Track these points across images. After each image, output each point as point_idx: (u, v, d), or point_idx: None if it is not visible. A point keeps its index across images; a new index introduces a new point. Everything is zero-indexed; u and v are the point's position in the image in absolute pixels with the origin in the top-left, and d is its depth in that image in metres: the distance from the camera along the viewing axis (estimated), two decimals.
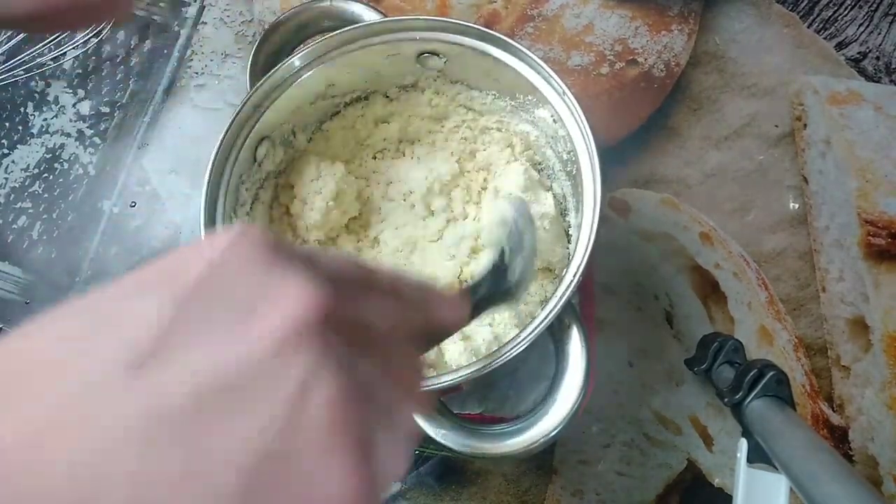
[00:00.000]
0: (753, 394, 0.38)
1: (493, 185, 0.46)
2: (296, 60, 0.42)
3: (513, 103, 0.45)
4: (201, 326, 0.15)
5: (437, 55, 0.44)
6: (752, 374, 0.39)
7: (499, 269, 0.28)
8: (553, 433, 0.33)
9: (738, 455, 0.38)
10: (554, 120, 0.41)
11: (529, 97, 0.42)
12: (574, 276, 0.34)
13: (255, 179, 0.44)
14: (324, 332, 0.15)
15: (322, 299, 0.16)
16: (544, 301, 0.42)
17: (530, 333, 0.33)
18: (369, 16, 0.44)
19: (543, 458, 0.47)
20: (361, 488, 0.15)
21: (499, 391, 0.48)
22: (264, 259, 0.16)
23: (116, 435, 0.14)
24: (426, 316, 0.21)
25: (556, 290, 0.34)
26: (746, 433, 0.38)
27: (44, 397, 0.14)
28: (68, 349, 0.15)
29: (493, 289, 0.28)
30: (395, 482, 0.46)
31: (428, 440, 0.47)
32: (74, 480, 0.13)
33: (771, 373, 0.38)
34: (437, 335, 0.23)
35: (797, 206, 0.53)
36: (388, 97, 0.48)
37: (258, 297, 0.15)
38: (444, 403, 0.35)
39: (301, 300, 0.15)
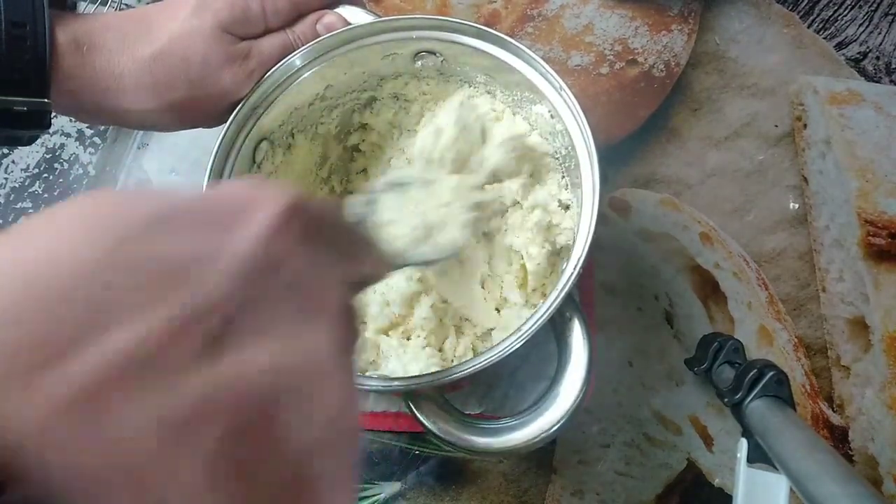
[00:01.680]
0: (753, 394, 0.38)
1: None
2: (296, 60, 0.42)
3: (511, 100, 0.45)
4: (269, 309, 0.16)
5: (434, 54, 0.44)
6: (752, 374, 0.39)
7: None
8: (557, 426, 0.33)
9: (738, 455, 0.38)
10: (551, 115, 0.41)
11: (527, 94, 0.43)
12: (574, 268, 0.34)
13: None
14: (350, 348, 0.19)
15: (348, 312, 0.20)
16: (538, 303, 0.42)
17: (532, 326, 0.33)
18: (365, 18, 0.44)
19: (543, 458, 0.47)
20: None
21: (499, 391, 0.48)
22: (310, 246, 0.18)
23: (178, 431, 0.14)
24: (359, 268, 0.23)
25: (556, 282, 0.34)
26: (746, 433, 0.38)
27: (89, 359, 0.13)
28: (125, 292, 0.14)
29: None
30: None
31: (428, 439, 0.47)
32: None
33: (771, 373, 0.38)
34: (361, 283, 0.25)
35: (797, 206, 0.53)
36: (381, 100, 0.49)
37: (308, 289, 0.17)
38: (446, 399, 0.35)
39: (340, 308, 0.19)
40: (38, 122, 0.38)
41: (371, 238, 0.24)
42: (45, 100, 0.37)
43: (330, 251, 0.19)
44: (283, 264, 0.17)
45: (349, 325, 0.19)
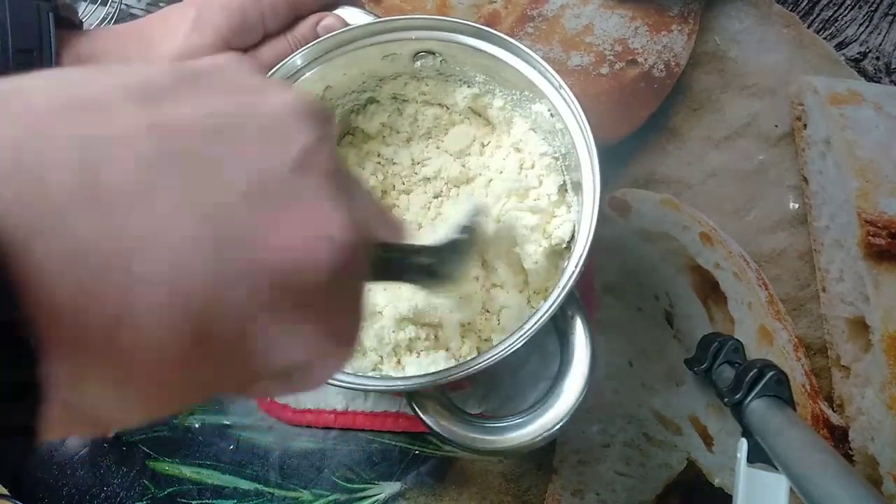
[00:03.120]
0: (753, 394, 0.38)
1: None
2: (296, 60, 0.42)
3: (510, 99, 0.45)
4: (211, 89, 0.17)
5: (434, 54, 0.44)
6: (752, 374, 0.39)
7: (436, 251, 0.28)
8: (560, 423, 0.33)
9: (738, 455, 0.38)
10: (551, 114, 0.41)
11: (526, 92, 0.43)
12: (576, 266, 0.34)
13: None
14: (319, 123, 0.18)
15: (316, 107, 0.19)
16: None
17: (534, 324, 0.33)
18: (365, 18, 0.44)
19: (543, 458, 0.47)
20: (348, 221, 0.18)
21: (499, 391, 0.48)
22: (255, 71, 0.19)
23: (122, 136, 0.14)
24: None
25: (558, 280, 0.35)
26: (746, 433, 0.38)
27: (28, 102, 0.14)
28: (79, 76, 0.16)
29: (419, 262, 0.28)
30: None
31: (428, 439, 0.47)
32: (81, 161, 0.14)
33: (771, 373, 0.39)
34: None
35: (797, 206, 0.53)
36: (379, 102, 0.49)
37: (258, 89, 0.18)
38: (449, 398, 0.35)
39: (295, 97, 0.19)
40: None
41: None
42: None
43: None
44: (224, 68, 0.18)
45: (313, 112, 0.19)
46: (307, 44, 0.42)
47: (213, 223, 0.15)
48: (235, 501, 0.47)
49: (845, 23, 0.59)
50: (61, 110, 0.14)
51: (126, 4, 0.63)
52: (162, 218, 0.14)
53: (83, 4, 0.62)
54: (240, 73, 0.19)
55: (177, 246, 0.14)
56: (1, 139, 0.13)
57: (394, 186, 0.49)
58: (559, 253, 0.44)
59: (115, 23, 0.61)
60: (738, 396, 0.39)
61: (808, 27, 0.59)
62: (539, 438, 0.33)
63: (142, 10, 0.63)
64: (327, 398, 0.49)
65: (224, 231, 0.15)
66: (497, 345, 0.34)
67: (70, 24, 0.40)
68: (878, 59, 0.58)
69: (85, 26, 0.42)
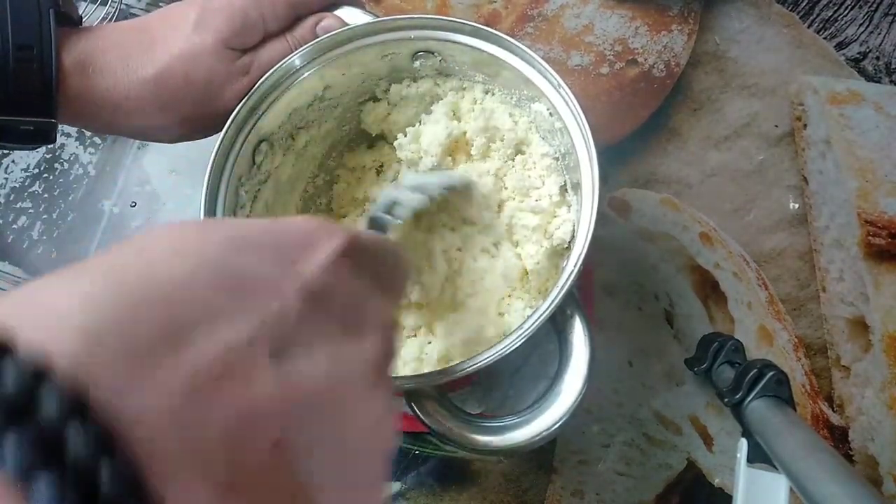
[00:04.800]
0: (753, 394, 0.38)
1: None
2: (295, 60, 0.42)
3: (510, 98, 0.45)
4: (322, 327, 0.19)
5: (433, 53, 0.44)
6: (752, 374, 0.39)
7: None
8: (559, 423, 0.33)
9: (738, 455, 0.38)
10: (550, 113, 0.41)
11: (525, 91, 0.43)
12: (575, 265, 0.34)
13: (255, 181, 0.44)
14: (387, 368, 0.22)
15: (390, 333, 0.22)
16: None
17: (534, 323, 0.33)
18: (364, 18, 0.44)
19: (543, 458, 0.47)
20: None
21: (499, 391, 0.48)
22: (359, 278, 0.21)
23: (254, 414, 0.16)
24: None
25: (557, 279, 0.34)
26: (746, 433, 0.38)
27: (192, 359, 0.15)
28: (215, 305, 0.16)
29: None
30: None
31: (428, 439, 0.47)
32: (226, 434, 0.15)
33: (771, 373, 0.38)
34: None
35: (797, 206, 0.53)
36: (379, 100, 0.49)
37: (358, 314, 0.21)
38: (448, 398, 0.35)
39: (384, 328, 0.22)
40: (44, 139, 0.39)
41: (404, 261, 0.27)
42: (52, 120, 0.38)
43: (374, 280, 0.22)
44: (337, 290, 0.20)
45: (389, 341, 0.22)
46: (306, 44, 0.42)
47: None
48: None
49: (845, 23, 0.59)
50: (216, 367, 0.15)
51: (126, 4, 0.63)
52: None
53: (83, 4, 0.62)
54: (349, 289, 0.21)
55: None
56: (166, 393, 0.14)
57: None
58: (560, 253, 0.43)
59: (115, 22, 0.61)
60: (738, 396, 0.39)
61: (808, 27, 0.59)
62: (538, 438, 0.33)
63: (142, 9, 0.63)
64: None
65: None
66: (496, 344, 0.34)
67: (69, 21, 0.40)
68: (878, 59, 0.58)
69: (85, 26, 0.42)
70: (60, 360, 0.13)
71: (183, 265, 0.17)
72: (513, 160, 0.47)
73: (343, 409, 0.19)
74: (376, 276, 0.22)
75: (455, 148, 0.47)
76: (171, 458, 0.14)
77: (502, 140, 0.46)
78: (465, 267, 0.45)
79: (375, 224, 0.33)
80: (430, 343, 0.43)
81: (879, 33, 0.58)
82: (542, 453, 0.47)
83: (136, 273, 0.16)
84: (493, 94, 0.46)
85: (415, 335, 0.44)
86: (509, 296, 0.44)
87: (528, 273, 0.44)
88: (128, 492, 0.13)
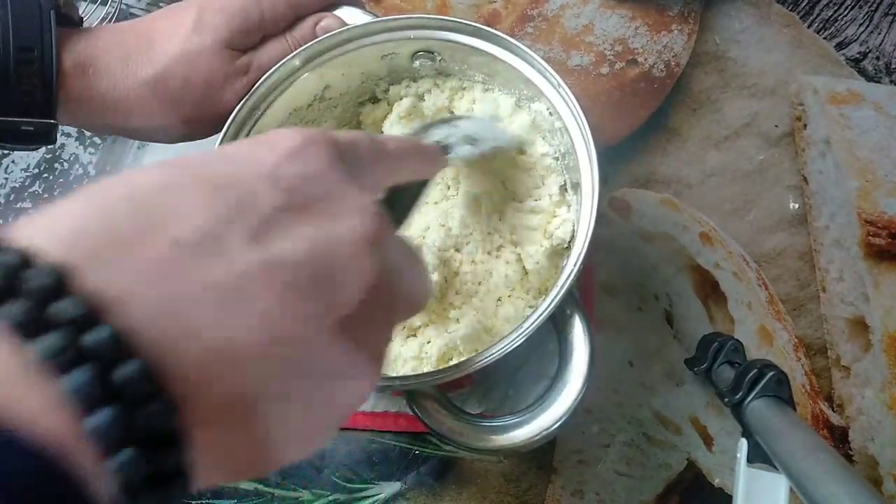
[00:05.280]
0: (753, 394, 0.38)
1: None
2: (295, 61, 0.42)
3: (510, 98, 0.45)
4: (303, 212, 0.19)
5: (433, 53, 0.44)
6: (752, 374, 0.39)
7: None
8: (559, 423, 0.33)
9: (738, 455, 0.38)
10: (550, 113, 0.41)
11: (525, 91, 0.43)
12: (575, 265, 0.34)
13: None
14: (380, 246, 0.21)
15: (374, 210, 0.22)
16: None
17: (533, 323, 0.33)
18: (364, 18, 0.44)
19: (543, 458, 0.47)
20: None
21: (499, 391, 0.48)
22: (332, 166, 0.21)
23: (236, 289, 0.17)
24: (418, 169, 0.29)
25: (557, 279, 0.34)
26: (746, 433, 0.38)
27: (160, 243, 0.16)
28: (182, 201, 0.17)
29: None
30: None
31: (428, 439, 0.47)
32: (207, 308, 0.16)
33: (771, 373, 0.38)
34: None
35: (797, 206, 0.53)
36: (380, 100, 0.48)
37: (336, 201, 0.21)
38: (448, 398, 0.35)
39: (365, 207, 0.21)
40: (44, 139, 0.39)
41: (410, 144, 0.28)
42: (52, 120, 0.38)
43: (353, 169, 0.22)
44: (307, 176, 0.20)
45: (370, 222, 0.21)
46: (306, 44, 0.42)
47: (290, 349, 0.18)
48: (235, 501, 0.47)
49: (845, 23, 0.59)
50: (186, 248, 0.17)
51: (126, 4, 0.63)
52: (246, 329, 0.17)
53: (83, 4, 0.62)
54: (326, 180, 0.21)
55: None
56: (144, 276, 0.16)
57: None
58: (560, 253, 0.43)
59: (114, 22, 0.61)
60: (738, 396, 0.39)
61: (808, 27, 0.59)
62: (538, 438, 0.33)
63: (142, 9, 0.63)
64: None
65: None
66: (496, 343, 0.34)
67: (70, 22, 0.40)
68: (878, 59, 0.58)
69: (85, 26, 0.42)
70: (49, 249, 0.15)
71: (160, 174, 0.18)
72: (513, 159, 0.47)
73: (330, 283, 0.19)
74: (355, 167, 0.23)
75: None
76: (151, 324, 0.15)
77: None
78: (463, 268, 0.45)
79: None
80: (429, 343, 0.43)
81: (879, 33, 0.58)
82: (542, 453, 0.47)
83: (116, 184, 0.18)
84: (493, 94, 0.46)
85: (415, 335, 0.44)
86: (509, 296, 0.44)
87: (527, 273, 0.43)
88: (113, 350, 0.14)
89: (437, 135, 0.36)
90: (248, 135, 0.42)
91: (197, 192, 0.18)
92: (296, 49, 0.42)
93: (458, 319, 0.43)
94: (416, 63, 0.45)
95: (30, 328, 0.14)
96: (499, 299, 0.44)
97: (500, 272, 0.44)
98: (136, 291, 0.15)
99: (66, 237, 0.16)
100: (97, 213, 0.16)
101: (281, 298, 0.18)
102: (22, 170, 0.59)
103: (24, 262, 0.15)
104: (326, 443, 0.47)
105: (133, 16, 0.63)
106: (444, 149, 0.35)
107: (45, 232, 0.16)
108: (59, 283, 0.14)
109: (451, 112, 0.47)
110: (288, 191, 0.19)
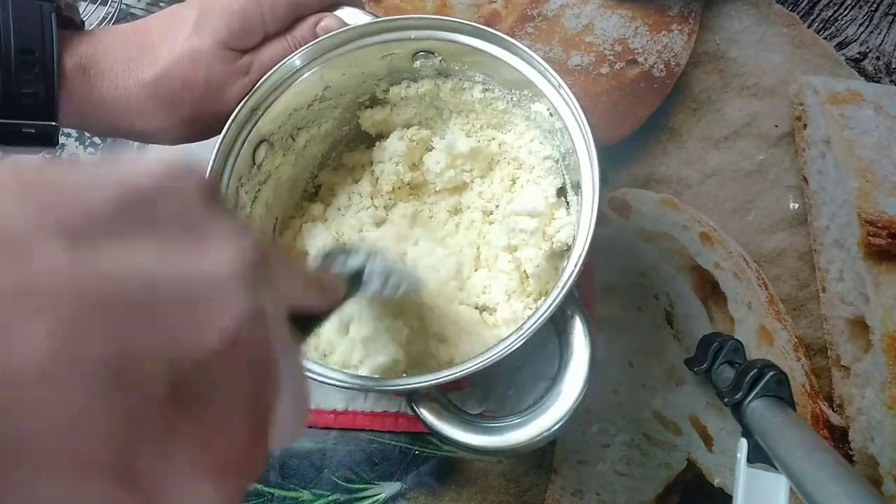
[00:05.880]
0: (753, 394, 0.38)
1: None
2: (295, 61, 0.42)
3: (511, 99, 0.45)
4: (154, 227, 0.16)
5: (433, 53, 0.44)
6: (752, 374, 0.39)
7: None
8: (559, 424, 0.33)
9: (738, 455, 0.38)
10: (550, 113, 0.41)
11: (525, 92, 0.43)
12: (575, 266, 0.34)
13: (255, 181, 0.44)
14: (256, 283, 0.17)
15: (259, 254, 0.18)
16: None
17: (534, 324, 0.33)
18: (364, 18, 0.44)
19: (543, 458, 0.47)
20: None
21: (499, 391, 0.48)
22: (210, 198, 0.18)
23: (30, 298, 0.13)
24: (313, 295, 0.25)
25: (557, 280, 0.34)
26: (746, 433, 0.38)
27: None
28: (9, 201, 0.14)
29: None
30: None
31: (428, 439, 0.47)
32: None
33: (771, 373, 0.38)
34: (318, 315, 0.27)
35: (797, 206, 0.53)
36: (381, 101, 0.49)
37: (204, 227, 0.17)
38: (448, 398, 0.35)
39: (246, 246, 0.17)
40: (46, 142, 0.39)
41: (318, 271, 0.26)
42: (54, 123, 0.38)
43: (219, 209, 0.18)
44: (171, 196, 0.17)
45: (255, 262, 0.17)
46: (306, 45, 0.42)
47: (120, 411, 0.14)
48: None
49: (845, 23, 0.59)
50: None
51: (126, 4, 0.63)
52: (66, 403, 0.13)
53: (83, 4, 0.62)
54: (191, 202, 0.17)
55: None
56: None
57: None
58: (560, 255, 0.43)
59: (115, 23, 0.61)
60: (738, 396, 0.39)
61: (808, 27, 0.59)
62: (538, 438, 0.33)
63: (142, 10, 0.63)
64: (327, 398, 0.49)
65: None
66: (496, 344, 0.34)
67: (71, 25, 0.40)
68: (878, 59, 0.58)
69: (85, 26, 0.42)
70: None
71: None
72: (509, 163, 0.47)
73: (184, 311, 0.15)
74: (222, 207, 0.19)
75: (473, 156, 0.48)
76: None
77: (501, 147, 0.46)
78: (463, 272, 0.45)
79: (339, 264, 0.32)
80: (429, 344, 0.43)
81: (879, 33, 0.58)
82: (542, 453, 0.47)
83: None
84: (493, 94, 0.46)
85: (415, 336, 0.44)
86: (509, 298, 0.44)
87: (528, 276, 0.43)
88: None
89: (354, 263, 0.34)
90: (248, 135, 0.42)
91: (20, 194, 0.15)
92: (296, 49, 0.42)
93: (457, 322, 0.43)
94: (417, 63, 0.45)
95: None
96: (499, 300, 0.44)
97: (499, 281, 0.44)
98: None
99: None
100: None
101: (99, 318, 0.14)
102: None
103: None
104: None
105: (133, 16, 0.63)
106: (355, 280, 0.32)
107: None
108: None
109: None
110: (140, 206, 0.16)
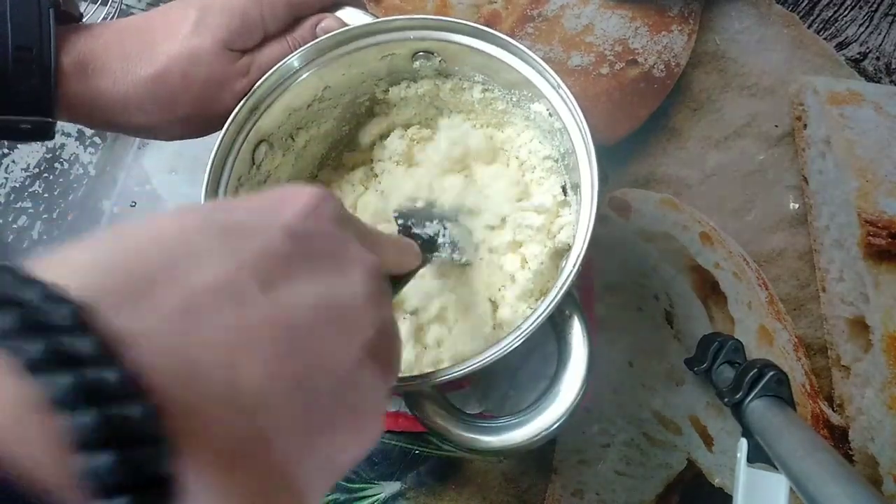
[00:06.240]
0: (753, 394, 0.38)
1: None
2: (294, 61, 0.42)
3: (511, 99, 0.45)
4: (315, 267, 0.21)
5: (432, 53, 0.44)
6: (752, 374, 0.39)
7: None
8: (558, 424, 0.33)
9: (738, 455, 0.38)
10: (549, 113, 0.41)
11: (524, 92, 0.43)
12: (574, 265, 0.34)
13: (255, 181, 0.44)
14: (381, 300, 0.23)
15: (378, 271, 0.24)
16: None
17: (532, 324, 0.33)
18: (364, 19, 0.44)
19: (543, 458, 0.47)
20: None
21: (499, 391, 0.48)
22: (340, 227, 0.23)
23: (248, 335, 0.17)
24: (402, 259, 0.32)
25: (556, 280, 0.34)
26: (746, 433, 0.38)
27: (183, 287, 0.17)
28: (205, 247, 0.18)
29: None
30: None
31: (428, 439, 0.47)
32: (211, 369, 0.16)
33: (771, 373, 0.38)
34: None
35: (797, 206, 0.53)
36: (381, 101, 0.49)
37: (342, 254, 0.22)
38: (447, 398, 0.35)
39: (370, 267, 0.23)
40: (42, 136, 0.39)
41: (399, 238, 0.31)
42: (50, 119, 0.38)
43: (353, 231, 0.24)
44: (319, 232, 0.22)
45: (374, 278, 0.23)
46: (306, 45, 0.42)
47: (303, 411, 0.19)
48: None
49: (845, 23, 0.59)
50: (206, 293, 0.17)
51: (126, 4, 0.63)
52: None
53: (83, 4, 0.62)
54: (331, 231, 0.23)
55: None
56: (162, 311, 0.16)
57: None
58: (562, 253, 0.43)
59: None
60: (738, 396, 0.39)
61: (808, 27, 0.59)
62: (537, 438, 0.33)
63: (142, 9, 0.63)
64: None
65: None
66: (495, 344, 0.34)
67: (70, 18, 0.40)
68: (878, 59, 0.58)
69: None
70: (73, 285, 0.15)
71: (175, 221, 0.19)
72: (516, 159, 0.47)
73: (340, 328, 0.20)
74: (355, 229, 0.24)
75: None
76: (164, 370, 0.15)
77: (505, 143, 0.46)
78: (464, 276, 0.45)
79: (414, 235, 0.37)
80: (429, 345, 0.43)
81: (879, 33, 0.58)
82: (542, 453, 0.47)
83: (135, 230, 0.19)
84: (493, 94, 0.46)
85: (414, 336, 0.44)
86: (508, 298, 0.44)
87: (531, 274, 0.43)
88: (120, 392, 0.14)
89: (430, 230, 0.39)
90: (247, 135, 0.42)
91: (217, 240, 0.19)
92: (296, 50, 0.42)
93: (457, 322, 0.43)
94: (416, 63, 0.45)
95: (41, 365, 0.14)
96: (500, 300, 0.44)
97: (506, 273, 0.44)
98: (152, 334, 0.16)
99: (90, 275, 0.16)
100: (123, 254, 0.17)
101: (290, 343, 0.18)
102: (22, 169, 0.59)
103: (48, 296, 0.15)
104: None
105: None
106: (430, 245, 0.36)
107: (70, 269, 0.16)
108: (78, 321, 0.15)
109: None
110: (300, 243, 0.21)
